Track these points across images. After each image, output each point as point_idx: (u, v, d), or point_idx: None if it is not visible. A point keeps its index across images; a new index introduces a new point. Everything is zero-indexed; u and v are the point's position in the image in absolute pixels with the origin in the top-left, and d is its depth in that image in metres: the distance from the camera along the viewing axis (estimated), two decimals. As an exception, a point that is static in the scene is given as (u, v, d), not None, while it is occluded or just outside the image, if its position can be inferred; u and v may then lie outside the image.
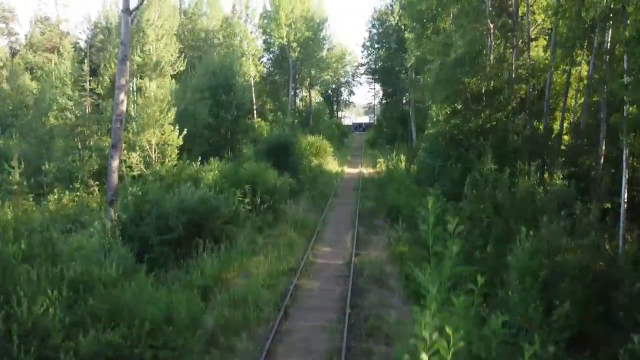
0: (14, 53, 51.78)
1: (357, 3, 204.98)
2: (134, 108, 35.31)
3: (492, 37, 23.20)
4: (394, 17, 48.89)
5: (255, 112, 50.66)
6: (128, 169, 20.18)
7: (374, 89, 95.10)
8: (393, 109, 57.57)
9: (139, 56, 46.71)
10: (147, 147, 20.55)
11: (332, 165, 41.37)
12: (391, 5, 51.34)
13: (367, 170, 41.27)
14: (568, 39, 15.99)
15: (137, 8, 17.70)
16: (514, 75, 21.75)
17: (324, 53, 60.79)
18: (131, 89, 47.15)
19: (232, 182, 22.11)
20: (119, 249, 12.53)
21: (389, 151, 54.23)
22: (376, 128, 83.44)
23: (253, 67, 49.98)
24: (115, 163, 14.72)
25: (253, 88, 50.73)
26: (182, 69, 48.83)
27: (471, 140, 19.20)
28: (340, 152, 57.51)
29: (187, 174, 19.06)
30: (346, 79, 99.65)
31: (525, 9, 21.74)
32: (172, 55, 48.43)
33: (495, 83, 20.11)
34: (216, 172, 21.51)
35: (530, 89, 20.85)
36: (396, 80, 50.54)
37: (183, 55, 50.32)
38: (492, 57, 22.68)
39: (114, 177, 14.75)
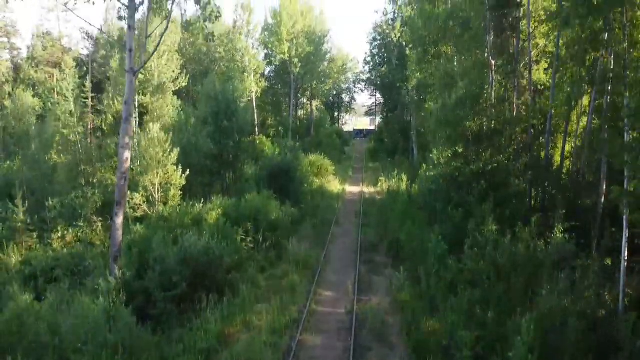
0: (16, 67, 51.85)
1: (360, 3, 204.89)
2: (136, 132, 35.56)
3: (493, 74, 23.29)
4: (395, 33, 48.89)
5: (256, 127, 50.77)
6: (131, 210, 20.29)
7: (375, 95, 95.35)
8: (394, 122, 57.51)
9: (141, 73, 46.92)
10: (150, 187, 20.64)
11: (333, 184, 41.43)
12: (392, 21, 51.33)
13: (368, 190, 41.32)
14: (570, 95, 16.06)
15: (141, 67, 17.78)
16: (515, 114, 21.89)
17: (325, 65, 60.85)
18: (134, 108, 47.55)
19: (234, 219, 22.25)
20: (124, 315, 12.62)
21: (390, 166, 54.36)
22: (377, 137, 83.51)
23: (254, 84, 50.01)
24: (119, 220, 14.82)
25: (254, 103, 50.83)
26: (184, 84, 49.08)
27: (472, 183, 19.26)
28: (342, 164, 57.61)
29: (190, 218, 19.13)
30: (347, 85, 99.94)
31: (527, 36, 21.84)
32: (173, 71, 48.60)
33: (496, 124, 20.18)
34: (219, 210, 21.57)
35: (531, 130, 20.95)
36: (397, 96, 50.58)
37: (185, 71, 50.60)
38: (493, 96, 22.78)
39: (118, 234, 14.84)
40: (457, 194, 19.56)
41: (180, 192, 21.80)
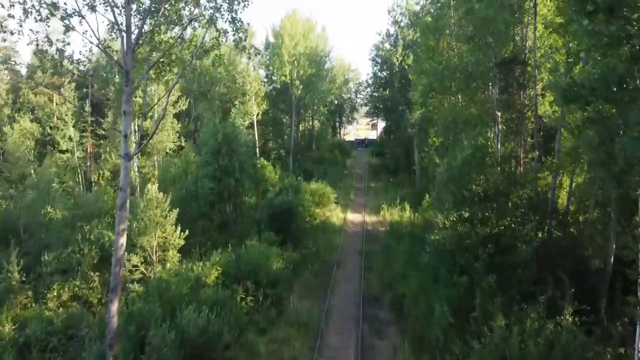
0: (15, 90, 51.30)
1: (363, 8, 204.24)
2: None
3: (499, 126, 22.68)
4: (397, 57, 48.25)
5: (257, 150, 50.20)
6: (129, 273, 19.76)
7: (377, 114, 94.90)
8: (396, 142, 56.90)
9: (140, 97, 46.36)
10: (149, 248, 20.09)
11: (335, 213, 40.88)
12: (394, 42, 50.66)
13: (370, 219, 40.74)
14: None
15: (136, 153, 17.24)
16: (521, 170, 21.29)
17: (327, 84, 60.22)
18: (134, 127, 46.98)
19: (234, 277, 21.73)
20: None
21: (391, 187, 53.80)
22: (378, 150, 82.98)
23: (256, 106, 49.42)
24: (114, 307, 14.24)
25: (256, 126, 50.26)
26: (184, 108, 48.54)
27: (478, 248, 18.70)
28: (344, 183, 57.02)
29: (188, 287, 18.55)
30: (349, 95, 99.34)
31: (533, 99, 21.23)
32: (173, 94, 48.05)
33: (502, 186, 19.59)
34: (218, 269, 21.04)
35: (538, 190, 20.36)
36: (400, 119, 50.00)
37: (184, 95, 50.04)
38: (498, 148, 22.19)
39: (113, 322, 14.27)
40: (462, 259, 18.98)
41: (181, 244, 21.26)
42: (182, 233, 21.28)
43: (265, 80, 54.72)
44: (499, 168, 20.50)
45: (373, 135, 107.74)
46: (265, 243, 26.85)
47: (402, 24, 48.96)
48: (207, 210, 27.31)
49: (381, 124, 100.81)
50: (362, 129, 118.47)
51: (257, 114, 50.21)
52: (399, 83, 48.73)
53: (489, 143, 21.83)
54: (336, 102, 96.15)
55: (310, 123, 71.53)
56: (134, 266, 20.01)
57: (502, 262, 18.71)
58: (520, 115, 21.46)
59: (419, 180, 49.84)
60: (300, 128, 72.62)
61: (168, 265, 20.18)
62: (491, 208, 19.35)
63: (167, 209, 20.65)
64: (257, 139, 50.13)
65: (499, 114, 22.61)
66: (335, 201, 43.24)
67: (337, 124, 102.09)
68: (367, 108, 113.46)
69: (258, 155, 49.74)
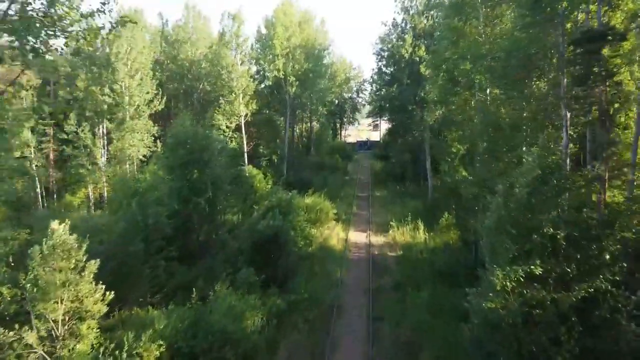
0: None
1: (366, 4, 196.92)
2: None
3: (568, 133, 15.63)
4: (406, 48, 41.12)
5: (246, 156, 43.17)
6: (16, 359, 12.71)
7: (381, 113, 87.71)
8: (403, 146, 49.79)
9: (109, 96, 39.31)
10: (51, 320, 13.07)
11: (335, 233, 33.84)
12: (402, 33, 43.48)
13: (377, 240, 33.65)
14: None
15: None
16: (604, 198, 14.26)
17: (326, 82, 53.06)
18: (101, 140, 40.00)
19: (188, 354, 14.70)
20: None
21: (399, 197, 46.77)
22: (381, 154, 76.06)
23: (243, 107, 42.32)
24: None
25: (243, 129, 43.21)
26: (160, 107, 41.52)
27: (557, 329, 11.70)
28: (345, 192, 50.05)
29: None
30: (350, 95, 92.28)
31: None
32: (148, 93, 41.01)
33: (592, 226, 12.57)
34: (161, 345, 14.01)
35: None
36: (409, 120, 42.85)
37: (161, 91, 43.01)
38: (568, 165, 15.17)
39: None
40: (532, 341, 11.97)
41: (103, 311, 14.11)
42: (109, 293, 14.18)
43: (257, 76, 47.52)
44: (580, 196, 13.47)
45: (375, 136, 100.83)
46: (242, 289, 19.87)
47: (412, 11, 41.79)
48: (164, 246, 20.23)
49: (384, 125, 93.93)
50: (364, 130, 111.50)
51: (246, 115, 43.11)
52: (408, 79, 41.61)
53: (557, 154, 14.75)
54: (337, 101, 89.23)
55: (309, 124, 64.42)
56: (27, 346, 12.94)
57: (596, 348, 11.79)
58: (605, 117, 14.36)
59: (432, 190, 42.75)
60: (297, 130, 65.54)
61: (79, 345, 13.10)
62: (576, 260, 12.34)
63: (83, 259, 13.59)
64: (245, 143, 43.04)
65: (568, 114, 15.57)
66: (335, 217, 36.23)
67: (338, 125, 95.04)
68: (370, 108, 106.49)
69: (246, 162, 42.70)
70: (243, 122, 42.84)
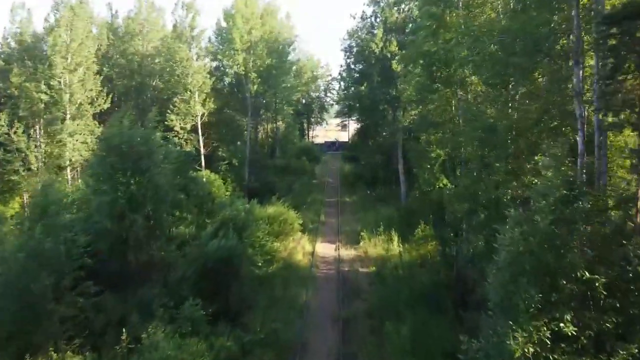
0: None
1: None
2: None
3: (584, 136, 12.53)
4: (376, 43, 37.81)
5: (203, 160, 39.11)
6: None
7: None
8: (375, 149, 46.62)
9: (45, 93, 34.57)
10: None
11: (300, 247, 30.25)
12: (372, 28, 40.20)
13: (347, 253, 30.23)
14: None
15: None
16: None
17: (291, 80, 49.33)
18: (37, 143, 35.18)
19: None
20: None
21: (371, 203, 43.56)
22: (351, 155, 72.89)
23: (200, 106, 38.24)
24: None
25: (200, 130, 39.13)
26: (106, 106, 36.98)
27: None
28: (312, 198, 46.53)
29: None
30: (317, 94, 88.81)
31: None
32: (91, 90, 36.41)
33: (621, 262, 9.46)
34: None
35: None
36: (381, 121, 39.54)
37: (109, 88, 38.53)
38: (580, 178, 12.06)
39: None
40: None
41: None
42: None
43: (217, 73, 43.33)
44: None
45: (344, 136, 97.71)
46: (184, 327, 16.10)
47: (382, 3, 38.52)
48: (82, 278, 16.16)
49: (353, 125, 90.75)
50: (332, 130, 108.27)
51: (203, 115, 39.03)
52: (378, 76, 38.32)
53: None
54: (304, 101, 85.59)
55: (274, 125, 60.53)
56: None
57: None
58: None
59: (405, 196, 39.67)
60: (262, 131, 61.61)
61: None
62: (616, 312, 9.16)
63: None
64: (202, 146, 38.95)
65: (585, 114, 12.46)
66: (302, 228, 32.61)
67: (305, 125, 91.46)
68: (338, 108, 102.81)
69: (203, 166, 38.64)
70: (200, 122, 38.73)
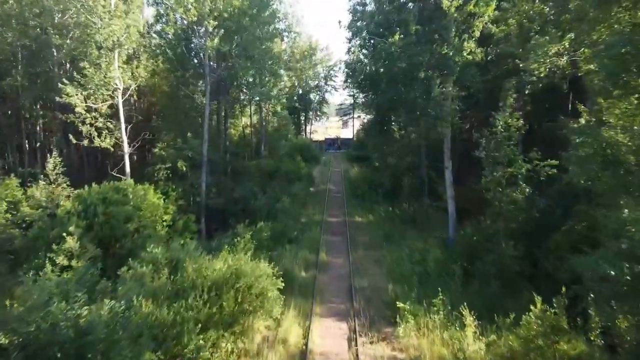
0: None
1: None
2: None
3: None
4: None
5: (127, 162, 23.24)
6: None
7: (353, 95, 68.53)
8: (402, 144, 30.74)
9: None
10: None
11: (278, 344, 14.46)
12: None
13: (372, 351, 14.40)
14: None
15: None
16: None
17: (278, 44, 33.23)
18: None
19: None
20: None
21: (398, 232, 27.81)
22: (357, 155, 57.42)
23: (122, 74, 22.43)
24: None
25: (122, 115, 23.24)
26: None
27: None
28: (309, 216, 30.93)
29: None
30: (316, 82, 72.99)
31: None
32: None
33: None
34: None
35: None
36: (415, 97, 23.34)
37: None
38: None
39: None
40: None
41: None
42: None
43: (161, 23, 27.35)
44: None
45: (346, 134, 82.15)
46: None
47: None
48: None
49: (359, 121, 75.24)
50: (332, 127, 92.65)
51: (128, 90, 23.22)
52: (417, 23, 22.26)
53: None
54: (300, 90, 69.82)
55: (259, 115, 44.55)
56: None
57: None
58: None
59: (454, 224, 23.80)
60: (244, 122, 45.62)
61: None
62: None
63: None
64: (125, 139, 23.06)
65: None
66: (282, 286, 16.60)
67: (302, 119, 75.81)
68: (338, 107, 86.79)
69: (127, 172, 22.81)
70: (121, 101, 22.82)
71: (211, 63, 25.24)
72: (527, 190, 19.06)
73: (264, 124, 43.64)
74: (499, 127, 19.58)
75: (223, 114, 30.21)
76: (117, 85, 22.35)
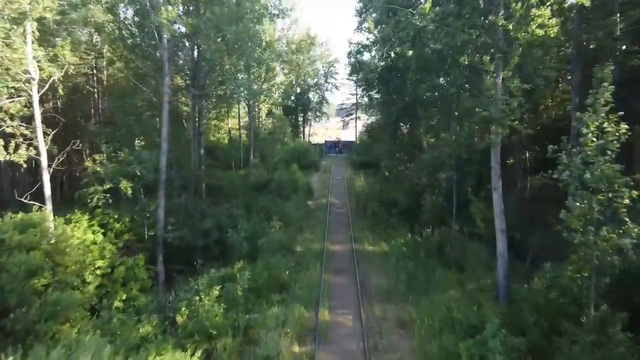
0: None
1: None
2: None
3: None
4: None
5: (46, 180, 16.23)
6: None
7: (358, 94, 61.59)
8: (430, 160, 23.67)
9: None
10: None
11: None
12: None
13: None
14: None
15: None
16: None
17: (269, 30, 26.20)
18: None
19: None
20: None
21: (425, 268, 20.80)
22: (362, 160, 50.38)
23: (38, 57, 15.46)
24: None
25: (39, 113, 16.26)
26: None
27: None
28: (303, 244, 24.17)
29: None
30: (316, 80, 66.01)
31: None
32: None
33: None
34: None
35: None
36: (442, 88, 16.25)
37: None
38: None
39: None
40: None
41: None
42: None
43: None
44: None
45: (346, 135, 75.06)
46: None
47: None
48: None
49: (363, 120, 68.34)
50: (332, 129, 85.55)
51: (48, 80, 16.30)
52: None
53: None
54: (298, 89, 62.91)
55: (247, 117, 37.51)
56: None
57: None
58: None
59: (506, 265, 16.80)
60: (229, 125, 38.65)
61: None
62: None
63: None
64: (42, 150, 16.04)
65: None
66: None
67: (300, 120, 68.83)
68: (339, 108, 79.80)
69: (47, 194, 15.82)
70: (36, 96, 15.84)
71: (170, 45, 18.20)
72: (637, 230, 12.19)
73: (253, 126, 36.68)
74: (589, 134, 12.69)
75: (197, 114, 23.21)
76: (30, 71, 15.41)
